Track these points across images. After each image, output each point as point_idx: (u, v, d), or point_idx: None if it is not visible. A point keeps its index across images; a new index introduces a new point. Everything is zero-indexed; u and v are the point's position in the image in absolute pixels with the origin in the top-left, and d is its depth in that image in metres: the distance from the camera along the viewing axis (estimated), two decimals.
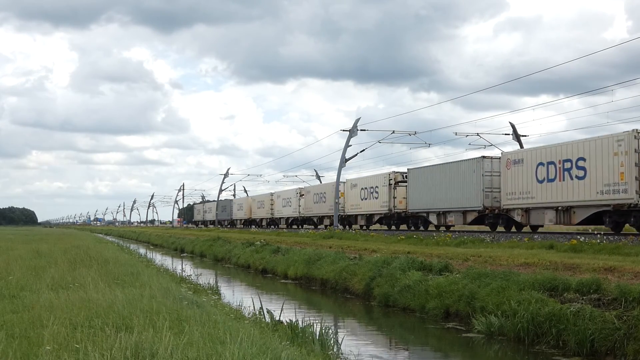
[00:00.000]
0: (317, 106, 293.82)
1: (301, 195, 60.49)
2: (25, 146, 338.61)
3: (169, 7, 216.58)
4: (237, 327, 7.96)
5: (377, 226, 48.06)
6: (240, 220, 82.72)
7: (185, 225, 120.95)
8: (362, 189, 46.47)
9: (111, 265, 16.41)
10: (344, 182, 49.03)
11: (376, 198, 43.99)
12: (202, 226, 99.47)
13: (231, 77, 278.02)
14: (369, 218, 46.51)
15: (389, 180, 42.51)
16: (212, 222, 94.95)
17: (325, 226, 52.31)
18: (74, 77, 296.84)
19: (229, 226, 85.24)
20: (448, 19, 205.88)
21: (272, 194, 71.30)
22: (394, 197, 42.03)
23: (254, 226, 74.79)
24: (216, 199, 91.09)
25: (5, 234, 55.78)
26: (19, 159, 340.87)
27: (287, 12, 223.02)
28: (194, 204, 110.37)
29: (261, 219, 74.55)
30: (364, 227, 47.64)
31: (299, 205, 60.63)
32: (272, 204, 70.11)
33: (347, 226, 49.63)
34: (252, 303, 13.51)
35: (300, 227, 60.82)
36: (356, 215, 48.38)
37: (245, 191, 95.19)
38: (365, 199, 45.90)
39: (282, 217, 67.36)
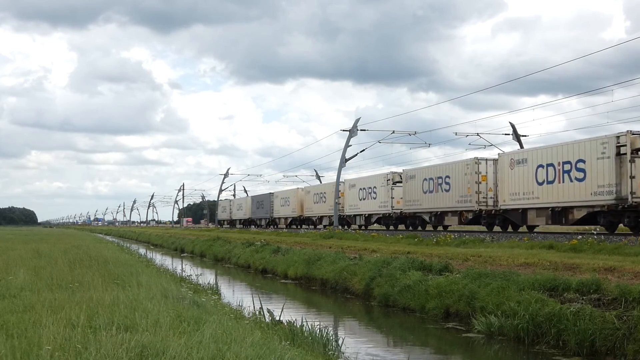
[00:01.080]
0: (316, 106, 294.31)
1: (395, 183, 41.72)
2: (25, 146, 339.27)
3: (167, 8, 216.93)
4: (238, 328, 7.96)
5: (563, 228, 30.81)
6: (286, 218, 64.72)
7: (185, 226, 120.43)
8: (539, 166, 28.57)
9: (111, 265, 16.42)
10: (487, 159, 32.95)
11: (579, 180, 26.19)
12: (229, 227, 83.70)
13: (230, 77, 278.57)
14: (559, 214, 27.96)
15: (617, 147, 24.30)
16: (244, 222, 79.98)
17: (444, 227, 38.29)
18: (73, 77, 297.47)
19: (268, 227, 68.49)
20: (446, 19, 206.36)
21: (342, 183, 49.91)
22: (631, 177, 23.68)
23: (308, 227, 57.65)
24: (216, 199, 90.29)
25: (5, 234, 55.76)
26: (18, 159, 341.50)
27: (285, 13, 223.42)
28: (220, 200, 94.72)
29: (320, 217, 55.22)
30: (527, 228, 31.98)
31: (392, 197, 41.71)
32: (340, 197, 49.52)
33: (495, 227, 34.07)
34: (252, 303, 13.51)
35: (391, 228, 42.30)
36: (524, 210, 30.00)
37: (246, 191, 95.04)
38: (549, 182, 27.85)
39: (359, 214, 47.05)
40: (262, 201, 72.03)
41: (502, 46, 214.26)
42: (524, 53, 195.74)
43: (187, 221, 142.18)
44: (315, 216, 56.84)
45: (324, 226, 51.92)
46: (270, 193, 70.72)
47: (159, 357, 5.77)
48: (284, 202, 64.75)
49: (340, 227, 44.12)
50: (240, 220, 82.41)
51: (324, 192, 54.41)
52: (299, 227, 60.89)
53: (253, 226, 74.42)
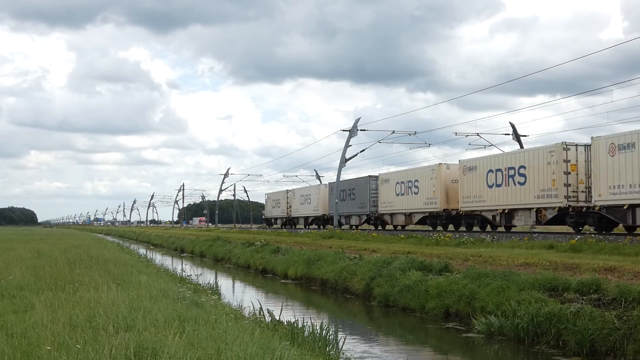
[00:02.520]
0: (315, 106, 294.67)
1: None
2: (24, 146, 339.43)
3: (164, 8, 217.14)
4: (238, 328, 7.96)
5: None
6: (409, 214, 40.43)
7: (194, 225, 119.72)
8: None
9: (111, 265, 16.41)
10: None
11: None
12: (282, 228, 61.22)
13: (228, 77, 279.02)
14: None
15: None
16: (314, 220, 55.74)
17: None
18: (71, 78, 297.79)
19: (371, 228, 45.09)
20: (444, 20, 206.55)
21: (551, 150, 27.80)
22: None
23: (467, 231, 33.81)
24: (216, 199, 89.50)
25: (6, 234, 55.74)
26: (17, 159, 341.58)
27: (282, 13, 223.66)
28: (270, 192, 70.54)
29: (509, 211, 30.64)
30: None
31: None
32: (552, 177, 27.50)
33: None
34: (252, 303, 13.51)
35: None
36: None
37: (246, 191, 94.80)
38: None
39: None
40: (353, 189, 47.24)
41: (499, 46, 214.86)
42: (522, 53, 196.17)
43: (201, 220, 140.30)
44: (494, 210, 31.53)
45: (503, 227, 32.07)
46: (369, 176, 45.63)
47: (158, 356, 5.77)
48: (403, 189, 40.46)
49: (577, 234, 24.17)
50: (307, 217, 57.64)
51: (518, 166, 29.80)
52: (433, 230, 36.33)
53: (337, 226, 43.87)
